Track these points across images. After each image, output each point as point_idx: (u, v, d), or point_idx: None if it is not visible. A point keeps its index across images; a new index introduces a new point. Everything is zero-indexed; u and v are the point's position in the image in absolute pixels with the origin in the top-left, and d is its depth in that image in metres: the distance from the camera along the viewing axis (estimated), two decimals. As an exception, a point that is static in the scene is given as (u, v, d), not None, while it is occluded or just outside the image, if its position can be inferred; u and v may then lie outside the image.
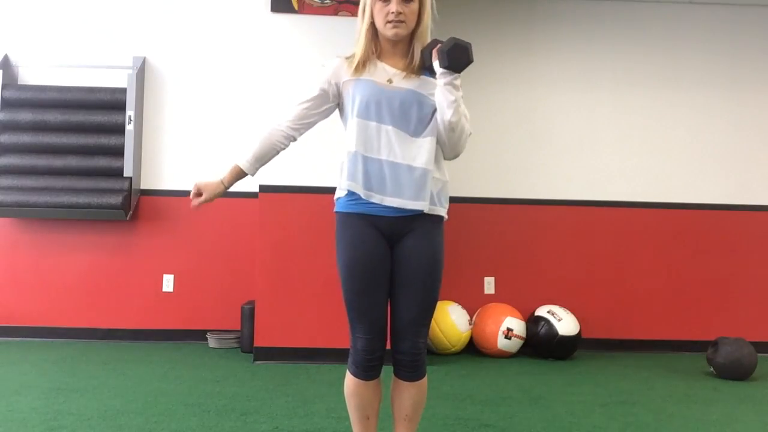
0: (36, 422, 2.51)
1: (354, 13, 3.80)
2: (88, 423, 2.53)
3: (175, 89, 4.47)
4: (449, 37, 1.81)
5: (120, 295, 4.37)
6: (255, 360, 3.76)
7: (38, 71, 4.42)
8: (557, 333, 4.01)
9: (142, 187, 4.42)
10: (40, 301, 4.34)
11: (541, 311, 4.15)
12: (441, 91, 1.83)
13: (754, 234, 4.58)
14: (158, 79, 4.46)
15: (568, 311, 4.14)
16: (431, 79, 1.87)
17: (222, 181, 1.98)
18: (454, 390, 3.22)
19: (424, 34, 1.89)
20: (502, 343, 4.04)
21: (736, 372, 3.61)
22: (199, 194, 1.96)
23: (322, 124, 2.04)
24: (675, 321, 4.51)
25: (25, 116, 4.24)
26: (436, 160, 1.92)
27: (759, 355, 3.73)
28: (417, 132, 1.87)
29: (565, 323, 4.04)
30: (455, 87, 1.82)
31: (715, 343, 3.73)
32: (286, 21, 3.84)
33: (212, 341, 4.23)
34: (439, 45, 1.82)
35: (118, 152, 4.27)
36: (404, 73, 1.88)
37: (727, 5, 4.61)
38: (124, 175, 4.27)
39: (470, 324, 4.15)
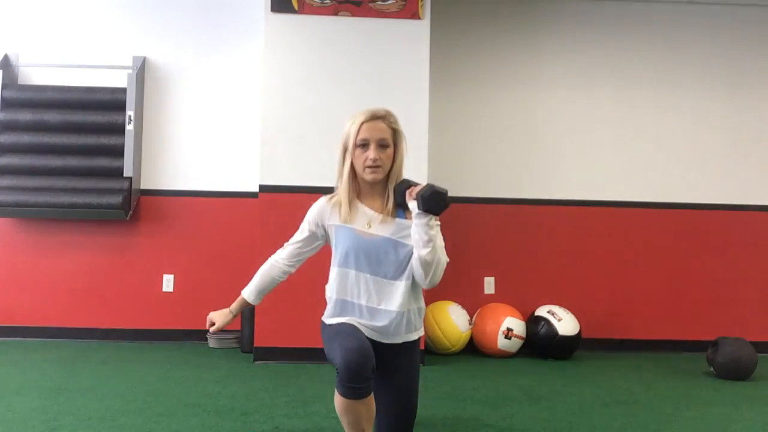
0: (36, 422, 2.51)
1: (354, 13, 3.83)
2: (88, 423, 2.52)
3: (175, 89, 4.47)
4: (427, 184, 1.98)
5: (120, 295, 4.37)
6: (255, 360, 3.76)
7: (38, 71, 4.42)
8: (557, 333, 4.01)
9: (142, 187, 4.42)
10: (40, 301, 4.34)
11: (541, 311, 4.15)
12: (417, 230, 1.98)
13: (754, 234, 4.58)
14: (158, 79, 4.47)
15: (568, 311, 4.14)
16: (406, 221, 2.05)
17: (231, 311, 2.24)
18: (454, 390, 3.22)
19: (398, 173, 2.10)
20: (502, 343, 4.04)
21: (736, 372, 3.61)
22: (212, 323, 2.23)
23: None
24: (675, 321, 4.51)
25: (25, 116, 4.24)
26: (413, 294, 2.10)
27: (759, 355, 3.73)
28: (394, 276, 2.06)
29: (565, 323, 4.04)
30: (431, 227, 1.97)
31: (715, 343, 3.73)
32: (286, 21, 3.84)
33: (212, 341, 4.23)
34: (414, 188, 1.99)
35: (118, 152, 4.27)
36: (381, 216, 2.07)
37: (727, 5, 4.62)
38: (124, 175, 4.27)
39: (470, 324, 4.15)
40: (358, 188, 2.11)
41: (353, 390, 1.85)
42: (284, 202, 3.81)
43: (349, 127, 2.06)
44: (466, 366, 3.84)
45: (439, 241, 2.01)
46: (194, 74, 4.48)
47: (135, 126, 4.29)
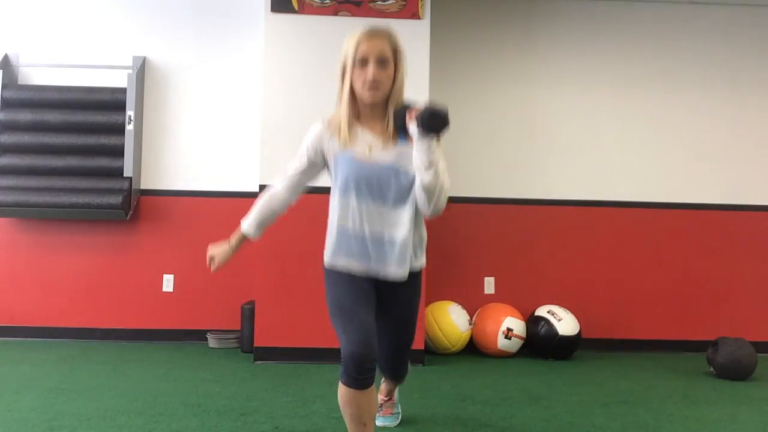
0: (36, 422, 2.51)
1: (354, 13, 3.83)
2: (88, 423, 2.52)
3: (175, 89, 4.47)
4: (426, 103, 1.89)
5: (120, 295, 4.37)
6: (255, 360, 3.76)
7: (38, 71, 4.42)
8: (557, 333, 4.01)
9: (142, 187, 4.42)
10: (40, 301, 4.34)
11: (541, 311, 4.15)
12: (418, 153, 1.90)
13: (754, 234, 4.58)
14: (158, 79, 4.47)
15: (568, 311, 4.14)
16: (407, 148, 1.96)
17: (230, 245, 2.15)
18: (454, 390, 3.22)
19: (399, 95, 2.00)
20: (502, 343, 4.04)
21: (736, 372, 3.61)
22: (212, 259, 2.15)
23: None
24: (675, 321, 4.51)
25: (25, 116, 4.24)
26: (416, 223, 2.03)
27: (759, 355, 3.73)
28: (396, 204, 1.98)
29: (565, 323, 4.04)
30: (432, 150, 1.89)
31: (715, 343, 3.73)
32: (286, 21, 3.84)
33: (212, 341, 4.23)
34: (413, 109, 1.90)
35: (118, 152, 4.27)
36: (382, 140, 1.99)
37: (727, 5, 4.61)
38: (124, 175, 4.27)
39: (470, 324, 4.15)
40: (357, 111, 2.01)
41: (357, 380, 1.87)
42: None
43: (347, 45, 1.96)
44: (466, 366, 3.84)
45: (442, 165, 1.92)
46: (194, 74, 4.48)
47: (135, 126, 4.28)
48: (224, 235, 2.02)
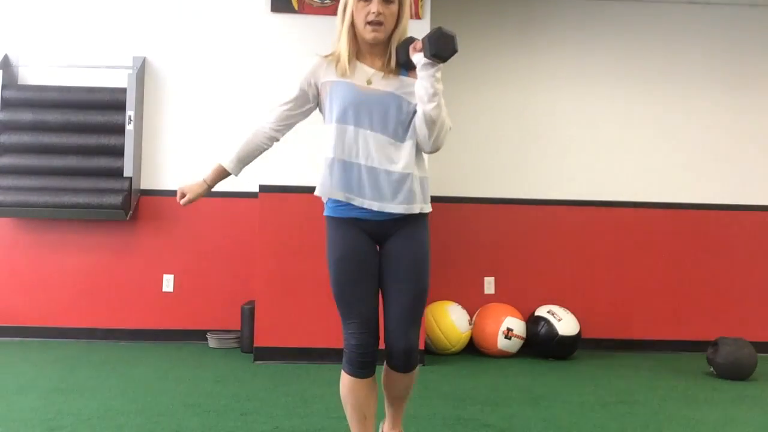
0: (36, 422, 2.51)
1: (354, 13, 3.82)
2: (88, 423, 2.53)
3: (175, 89, 4.47)
4: (434, 27, 1.80)
5: (120, 295, 4.37)
6: (255, 360, 3.76)
7: (38, 71, 4.42)
8: (557, 333, 4.01)
9: (142, 187, 4.42)
10: (40, 301, 4.34)
11: (541, 311, 4.15)
12: (422, 82, 1.82)
13: (754, 234, 4.58)
14: (158, 79, 4.47)
15: (568, 311, 4.14)
16: (410, 79, 1.88)
17: (205, 180, 2.06)
18: (454, 390, 3.22)
19: (403, 35, 1.90)
20: (502, 343, 4.04)
21: (736, 372, 3.61)
22: (183, 195, 2.06)
23: (321, 124, 2.04)
24: (675, 321, 4.51)
25: (25, 116, 4.24)
26: (416, 159, 1.91)
27: (759, 355, 3.73)
28: (396, 135, 1.87)
29: (565, 323, 4.04)
30: (437, 79, 1.82)
31: (715, 343, 3.73)
32: (286, 21, 3.84)
33: (212, 341, 4.23)
34: (417, 42, 1.82)
35: (118, 152, 4.27)
36: (382, 73, 1.89)
37: (727, 5, 4.61)
38: (124, 175, 4.27)
39: (470, 324, 4.15)
40: (357, 49, 1.91)
41: (358, 369, 1.88)
42: (284, 202, 3.81)
43: None
44: (466, 366, 3.84)
45: (443, 100, 1.85)
46: (194, 74, 4.47)
47: (135, 126, 4.29)
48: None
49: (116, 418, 2.60)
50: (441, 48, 1.78)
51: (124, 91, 4.29)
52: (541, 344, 4.06)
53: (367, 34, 1.85)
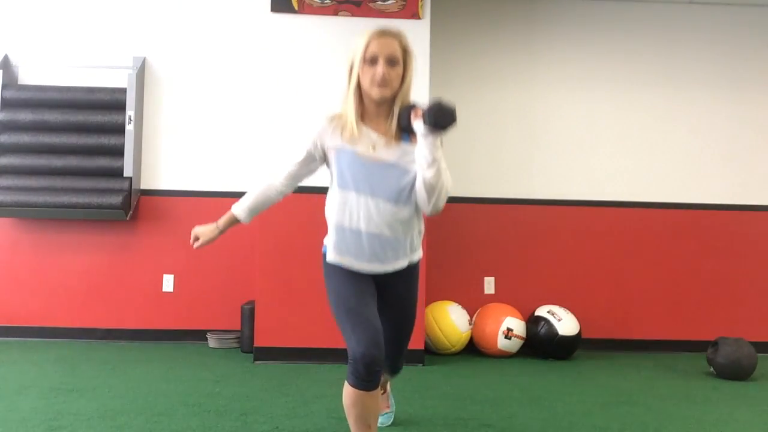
0: (36, 422, 2.51)
1: (354, 13, 3.83)
2: (88, 423, 2.53)
3: (175, 89, 4.47)
4: (435, 98, 1.88)
5: (120, 295, 4.37)
6: (255, 360, 3.76)
7: (38, 71, 4.42)
8: (557, 333, 4.01)
9: (142, 187, 4.42)
10: (40, 301, 4.34)
11: (541, 311, 4.15)
12: (422, 150, 1.90)
13: (754, 234, 4.58)
14: (158, 79, 4.47)
15: (568, 311, 4.14)
16: (411, 146, 1.95)
17: (217, 225, 2.18)
18: (454, 390, 3.22)
19: (406, 95, 1.99)
20: (502, 343, 4.04)
21: (736, 372, 3.61)
22: (196, 239, 2.17)
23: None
24: (675, 321, 4.51)
25: (25, 116, 4.24)
26: (415, 219, 2.03)
27: (759, 355, 3.73)
28: (396, 203, 1.97)
29: (565, 323, 4.04)
30: (436, 147, 1.89)
31: (715, 343, 3.73)
32: (286, 21, 3.84)
33: (212, 341, 4.23)
34: (419, 108, 1.89)
35: (118, 152, 4.27)
36: (385, 139, 1.97)
37: (727, 5, 4.61)
38: (124, 175, 4.27)
39: (470, 324, 4.15)
40: (363, 109, 2.01)
41: (364, 382, 1.86)
42: (284, 202, 3.79)
43: (357, 43, 1.97)
44: (466, 366, 3.84)
45: (444, 164, 1.93)
46: (194, 74, 4.47)
47: (135, 126, 4.29)
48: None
49: (116, 418, 2.60)
50: (440, 120, 1.84)
51: (124, 91, 4.29)
52: (541, 344, 4.06)
53: (374, 93, 1.94)
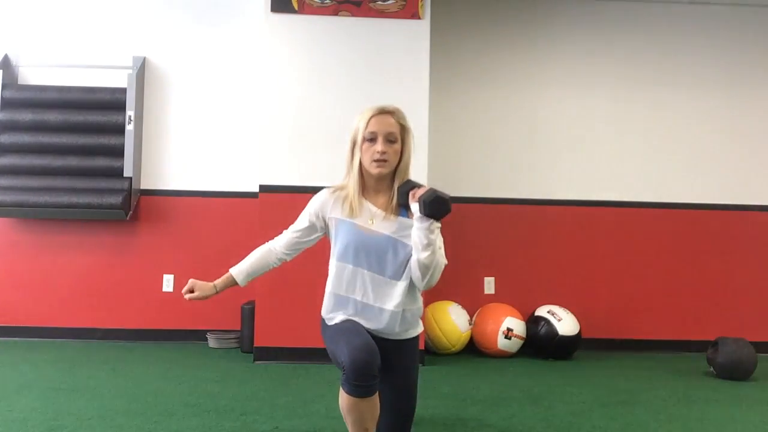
0: (36, 422, 2.51)
1: (354, 13, 3.83)
2: (88, 423, 2.52)
3: (175, 89, 4.47)
4: (430, 189, 1.96)
5: (120, 295, 4.37)
6: (255, 360, 3.76)
7: (38, 71, 4.42)
8: (557, 333, 4.01)
9: (142, 187, 4.42)
10: (40, 301, 4.34)
11: (541, 311, 4.15)
12: (417, 233, 1.98)
13: (753, 234, 4.58)
14: (158, 79, 4.46)
15: (568, 311, 4.14)
16: (408, 221, 2.05)
17: (215, 285, 2.19)
18: (454, 390, 3.22)
19: (405, 170, 2.10)
20: (502, 343, 4.04)
21: (736, 372, 3.61)
22: (191, 291, 2.16)
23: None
24: (675, 321, 4.51)
25: (25, 116, 4.24)
26: (410, 294, 2.09)
27: (759, 355, 3.73)
28: (391, 276, 2.06)
29: (565, 323, 4.04)
30: (431, 231, 1.96)
31: (715, 343, 3.73)
32: (286, 21, 3.84)
33: (212, 341, 4.23)
34: (417, 190, 1.98)
35: (118, 152, 4.27)
36: (384, 214, 2.07)
37: (727, 5, 4.61)
38: (124, 175, 4.27)
39: (470, 324, 4.15)
40: (363, 184, 2.11)
41: (359, 388, 1.85)
42: (284, 202, 3.80)
43: (357, 121, 2.08)
44: (466, 366, 3.84)
45: (439, 243, 2.03)
46: (194, 74, 4.47)
47: (135, 126, 4.29)
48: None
49: (116, 418, 2.60)
50: (434, 211, 1.94)
51: (124, 91, 4.29)
52: (541, 344, 4.06)
53: (373, 169, 2.05)
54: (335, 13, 3.83)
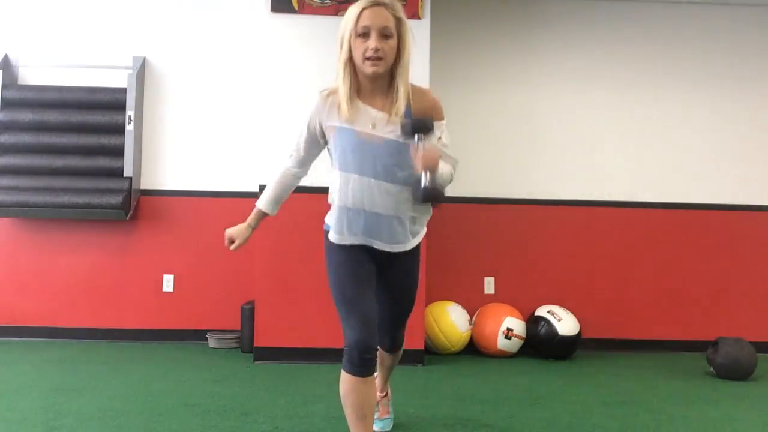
0: (36, 422, 2.51)
1: (354, 13, 3.82)
2: (88, 423, 2.53)
3: (175, 89, 4.47)
4: (427, 179, 1.82)
5: (120, 295, 4.37)
6: (255, 360, 3.76)
7: (38, 71, 4.42)
8: (557, 333, 4.01)
9: (142, 187, 4.42)
10: (40, 301, 4.34)
11: (541, 311, 4.15)
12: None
13: (754, 234, 4.58)
14: (158, 79, 4.46)
15: (568, 311, 4.14)
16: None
17: (249, 224, 2.14)
18: (454, 390, 3.22)
19: (405, 69, 1.90)
20: (502, 343, 4.04)
21: (736, 372, 3.61)
22: (232, 241, 2.13)
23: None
24: (675, 321, 4.51)
25: (25, 116, 4.24)
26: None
27: (759, 355, 3.73)
28: (397, 181, 1.93)
29: (565, 323, 4.04)
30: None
31: (715, 343, 3.73)
32: (286, 21, 3.84)
33: (212, 341, 4.23)
34: (419, 154, 1.82)
35: (118, 152, 4.27)
36: (387, 116, 1.90)
37: (727, 5, 4.61)
38: (124, 175, 4.27)
39: (470, 324, 4.15)
40: (358, 85, 1.92)
41: (358, 368, 1.88)
42: (284, 202, 3.80)
43: (347, 15, 1.87)
44: (466, 366, 3.84)
45: (447, 169, 1.93)
46: (194, 74, 4.47)
47: (135, 126, 4.29)
48: (224, 236, 2.04)
49: (116, 418, 2.60)
50: (430, 199, 1.89)
51: (124, 91, 4.29)
52: (541, 344, 4.06)
53: (367, 68, 1.85)
54: (335, 13, 3.83)
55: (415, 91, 1.96)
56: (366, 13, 1.84)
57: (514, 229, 4.49)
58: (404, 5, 3.81)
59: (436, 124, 1.90)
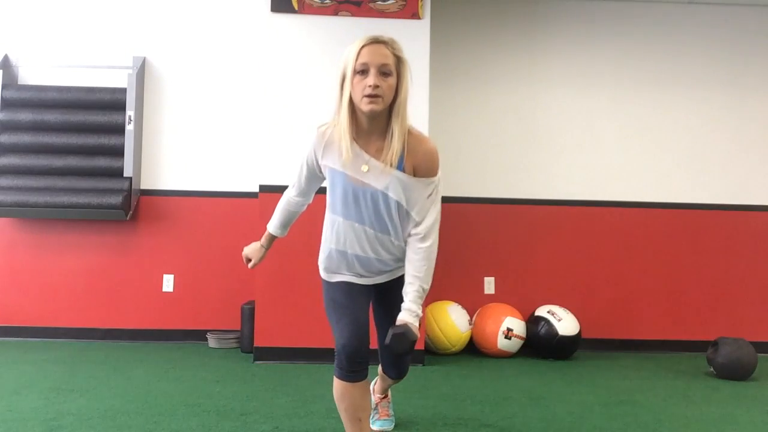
0: (36, 422, 2.51)
1: (354, 13, 3.83)
2: (88, 423, 2.53)
3: (175, 89, 4.47)
4: (403, 330, 1.82)
5: (120, 295, 4.37)
6: (255, 360, 3.76)
7: (38, 71, 4.42)
8: (557, 333, 4.01)
9: (142, 187, 4.42)
10: (40, 301, 4.34)
11: (541, 311, 4.15)
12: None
13: (754, 234, 4.58)
14: (158, 79, 4.47)
15: (568, 311, 4.14)
16: (403, 176, 1.89)
17: (262, 245, 2.28)
18: (454, 390, 3.22)
19: (402, 109, 1.87)
20: (502, 343, 4.04)
21: (736, 372, 3.61)
22: (248, 260, 2.28)
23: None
24: (675, 321, 4.51)
25: (25, 116, 4.24)
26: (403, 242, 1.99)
27: (759, 355, 3.73)
28: (383, 230, 1.96)
29: (565, 323, 4.04)
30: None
31: (715, 343, 3.73)
32: (286, 21, 3.84)
33: (212, 341, 4.23)
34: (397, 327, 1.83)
35: (118, 152, 4.27)
36: (380, 165, 1.88)
37: (727, 5, 4.62)
38: (124, 175, 4.27)
39: (470, 324, 4.15)
40: (356, 126, 1.89)
41: (348, 373, 1.91)
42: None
43: (347, 52, 1.85)
44: (466, 366, 3.84)
45: (426, 283, 1.94)
46: (194, 74, 4.48)
47: (135, 126, 4.29)
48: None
49: (116, 418, 2.60)
50: (396, 345, 1.84)
51: (124, 91, 4.29)
52: (541, 344, 4.06)
53: (364, 106, 1.81)
54: (335, 13, 3.83)
55: (413, 138, 1.90)
56: (365, 50, 1.82)
57: (514, 229, 4.49)
58: (404, 5, 3.81)
59: (425, 181, 1.90)
